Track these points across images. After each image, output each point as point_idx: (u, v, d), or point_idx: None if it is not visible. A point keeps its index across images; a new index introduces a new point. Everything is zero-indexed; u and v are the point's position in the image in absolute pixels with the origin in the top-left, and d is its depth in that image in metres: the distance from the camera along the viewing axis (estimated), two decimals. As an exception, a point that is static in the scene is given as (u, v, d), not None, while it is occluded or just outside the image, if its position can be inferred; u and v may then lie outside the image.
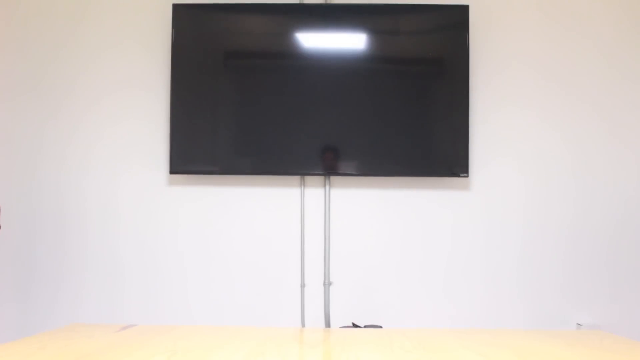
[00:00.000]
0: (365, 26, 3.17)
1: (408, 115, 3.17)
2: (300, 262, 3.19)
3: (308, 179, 3.21)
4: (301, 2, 3.21)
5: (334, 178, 3.21)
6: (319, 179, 3.21)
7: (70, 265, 3.20)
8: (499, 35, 3.22)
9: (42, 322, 3.18)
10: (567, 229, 3.18)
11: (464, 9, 3.12)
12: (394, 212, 3.19)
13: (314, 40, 3.20)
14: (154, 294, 3.19)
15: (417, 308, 3.16)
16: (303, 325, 3.16)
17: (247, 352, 1.53)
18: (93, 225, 3.22)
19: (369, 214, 3.20)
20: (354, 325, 3.01)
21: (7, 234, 3.22)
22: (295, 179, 3.21)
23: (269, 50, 3.21)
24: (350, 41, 3.20)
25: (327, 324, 3.15)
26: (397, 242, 3.18)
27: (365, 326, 2.95)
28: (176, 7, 3.14)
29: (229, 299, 3.17)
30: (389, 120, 3.15)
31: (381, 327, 2.93)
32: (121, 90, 3.24)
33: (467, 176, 3.09)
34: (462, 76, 3.12)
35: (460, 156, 3.10)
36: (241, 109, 3.20)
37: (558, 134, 3.21)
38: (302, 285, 3.18)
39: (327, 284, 3.17)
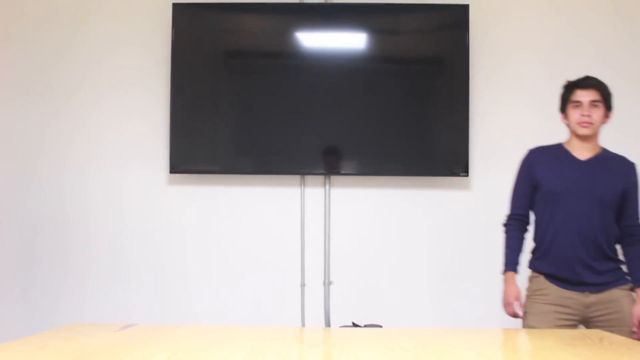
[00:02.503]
0: (366, 26, 3.17)
1: (408, 114, 3.17)
2: (300, 261, 3.19)
3: (308, 178, 3.21)
4: (301, 1, 3.20)
5: (334, 177, 3.21)
6: (319, 179, 3.21)
7: (73, 264, 3.20)
8: (499, 35, 3.22)
9: (45, 321, 3.17)
10: (567, 228, 3.17)
11: (464, 9, 3.11)
12: (394, 212, 3.19)
13: (314, 40, 3.20)
14: (154, 292, 3.19)
15: (417, 307, 3.16)
16: (303, 324, 3.16)
17: (247, 352, 1.53)
18: (94, 224, 3.22)
19: (369, 213, 3.20)
20: (354, 325, 3.01)
21: (10, 234, 3.22)
22: (296, 178, 3.21)
23: (269, 49, 3.21)
24: (351, 41, 3.20)
25: (327, 324, 3.15)
26: (397, 242, 3.18)
27: (365, 325, 2.95)
28: (176, 7, 3.14)
29: (229, 298, 3.17)
30: (389, 119, 3.15)
31: (381, 326, 2.93)
32: (121, 89, 3.24)
33: (467, 176, 3.09)
34: (462, 75, 3.11)
35: (460, 156, 3.10)
36: (241, 109, 3.19)
37: (558, 133, 3.20)
38: (302, 285, 3.18)
39: (327, 283, 3.17)
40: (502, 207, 3.22)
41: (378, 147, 3.14)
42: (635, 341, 1.75)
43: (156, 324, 2.19)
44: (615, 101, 3.22)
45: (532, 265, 2.39)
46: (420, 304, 3.16)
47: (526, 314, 2.34)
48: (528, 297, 2.37)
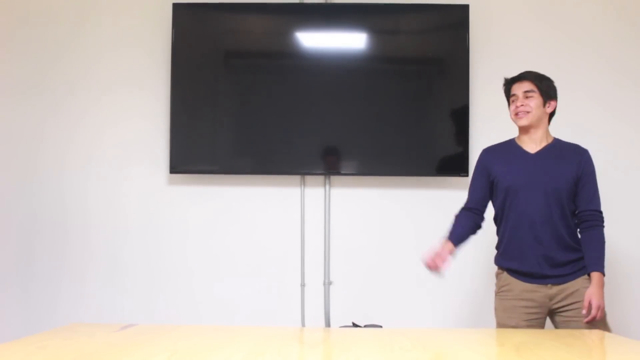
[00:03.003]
0: (366, 26, 3.17)
1: (408, 114, 3.17)
2: (300, 261, 3.19)
3: (308, 178, 3.21)
4: (301, 1, 3.20)
5: (334, 177, 3.21)
6: (319, 179, 3.21)
7: (72, 264, 3.20)
8: (499, 35, 3.22)
9: (44, 321, 3.17)
10: (567, 228, 3.17)
11: (464, 9, 3.11)
12: (394, 212, 3.19)
13: (314, 40, 3.20)
14: (153, 292, 3.18)
15: (416, 308, 3.16)
16: (303, 324, 3.16)
17: (247, 352, 1.53)
18: (93, 224, 3.21)
19: (369, 213, 3.20)
20: (354, 325, 3.01)
21: (9, 234, 3.22)
22: (296, 178, 3.21)
23: (269, 49, 3.21)
24: (351, 41, 3.20)
25: (327, 324, 3.15)
26: (397, 242, 3.18)
27: (365, 326, 2.95)
28: (176, 7, 3.14)
29: (229, 298, 3.17)
30: (389, 119, 3.15)
31: (381, 326, 2.93)
32: (121, 89, 3.24)
33: (467, 176, 3.09)
34: (462, 76, 3.11)
35: (460, 156, 3.10)
36: (241, 109, 3.19)
37: (557, 132, 3.20)
38: (302, 285, 3.18)
39: (327, 283, 3.17)
40: (502, 207, 3.21)
41: (378, 147, 3.14)
42: (635, 341, 1.76)
43: (156, 324, 2.20)
44: (615, 100, 3.22)
45: (496, 261, 2.44)
46: (420, 304, 3.16)
47: (496, 311, 2.37)
48: (496, 293, 2.41)
